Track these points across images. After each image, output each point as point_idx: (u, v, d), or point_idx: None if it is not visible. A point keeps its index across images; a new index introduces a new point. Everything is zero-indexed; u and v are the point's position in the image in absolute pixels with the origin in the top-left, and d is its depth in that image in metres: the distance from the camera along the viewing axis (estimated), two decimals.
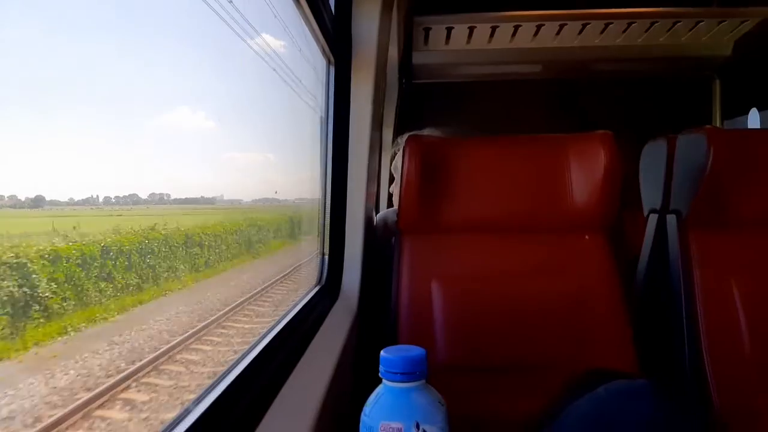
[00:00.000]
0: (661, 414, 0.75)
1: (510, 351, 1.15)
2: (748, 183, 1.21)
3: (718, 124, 2.64)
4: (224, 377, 0.70)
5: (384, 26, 1.30)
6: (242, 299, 3.93)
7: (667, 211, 1.31)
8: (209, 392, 0.66)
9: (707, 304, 1.17)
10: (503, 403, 1.06)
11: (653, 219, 1.39)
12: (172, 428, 0.57)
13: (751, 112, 2.52)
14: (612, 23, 2.05)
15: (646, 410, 0.75)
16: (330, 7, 1.19)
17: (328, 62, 1.29)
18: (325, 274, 1.32)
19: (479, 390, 1.08)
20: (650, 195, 1.41)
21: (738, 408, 1.09)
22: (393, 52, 1.97)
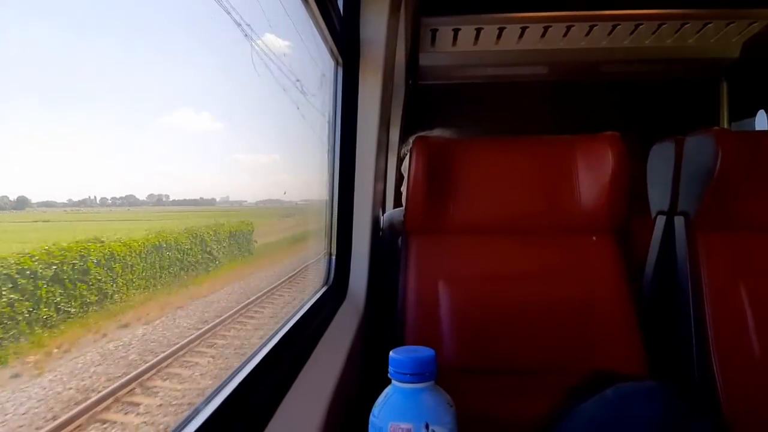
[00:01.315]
0: (670, 416, 0.74)
1: (517, 352, 1.15)
2: (756, 185, 1.20)
3: (725, 126, 2.63)
4: (234, 376, 0.71)
5: (391, 27, 1.31)
6: None
7: (675, 213, 1.31)
8: (220, 391, 0.66)
9: (715, 306, 1.17)
10: (511, 404, 1.06)
11: (661, 220, 1.38)
12: (184, 426, 0.57)
13: (758, 113, 2.51)
14: (619, 25, 2.05)
15: (654, 412, 0.74)
16: (338, 8, 1.20)
17: (336, 63, 1.29)
18: (332, 275, 1.32)
19: (487, 391, 1.08)
20: (658, 196, 1.41)
21: (746, 410, 1.09)
22: (400, 53, 1.97)
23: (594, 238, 1.24)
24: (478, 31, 2.09)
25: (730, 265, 1.20)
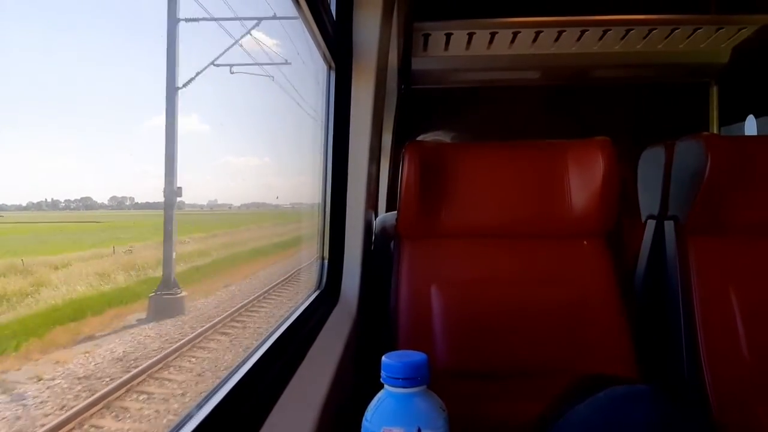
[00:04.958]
0: (661, 419, 0.75)
1: (508, 356, 1.15)
2: (745, 189, 1.22)
3: (715, 131, 2.66)
4: (226, 382, 0.70)
5: (384, 32, 1.31)
6: None
7: (665, 218, 1.32)
8: (211, 397, 0.65)
9: (705, 310, 1.18)
10: (503, 408, 1.06)
11: (651, 225, 1.39)
12: (177, 431, 0.57)
13: (748, 118, 2.54)
14: (610, 30, 2.06)
15: (645, 415, 0.75)
16: (331, 12, 1.20)
17: (329, 67, 1.29)
18: (324, 279, 1.32)
19: (478, 395, 1.08)
20: (648, 201, 1.42)
21: (736, 413, 1.10)
22: (392, 58, 1.97)
23: (585, 242, 1.24)
24: (470, 35, 2.10)
25: (720, 269, 1.21)
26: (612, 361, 1.14)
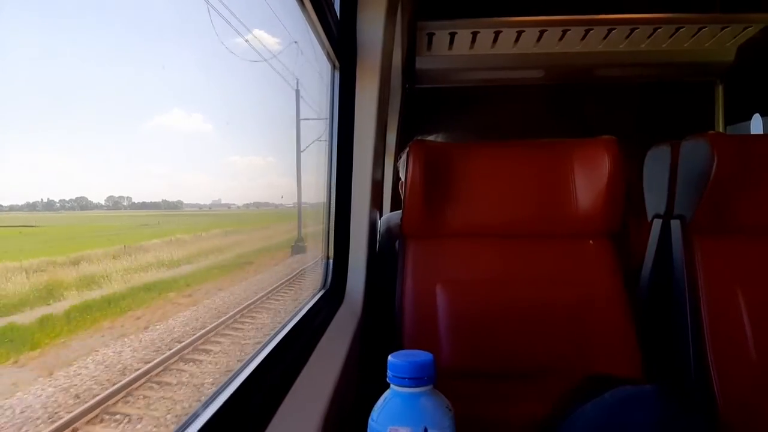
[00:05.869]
0: (666, 420, 0.74)
1: (515, 356, 1.15)
2: (751, 189, 1.21)
3: (721, 130, 2.65)
4: (232, 381, 0.70)
5: (388, 31, 1.31)
6: None
7: (671, 217, 1.31)
8: (217, 396, 0.66)
9: (712, 310, 1.17)
10: (509, 408, 1.06)
11: (657, 224, 1.38)
12: (183, 430, 0.57)
13: (754, 117, 2.53)
14: (615, 29, 2.06)
15: (651, 416, 0.75)
16: (335, 12, 1.20)
17: (333, 67, 1.29)
18: (329, 279, 1.32)
19: (485, 395, 1.08)
20: (654, 200, 1.41)
21: (743, 413, 1.09)
22: (396, 57, 1.97)
23: (591, 241, 1.24)
24: (474, 35, 2.10)
25: (726, 269, 1.20)
26: (618, 361, 1.13)
